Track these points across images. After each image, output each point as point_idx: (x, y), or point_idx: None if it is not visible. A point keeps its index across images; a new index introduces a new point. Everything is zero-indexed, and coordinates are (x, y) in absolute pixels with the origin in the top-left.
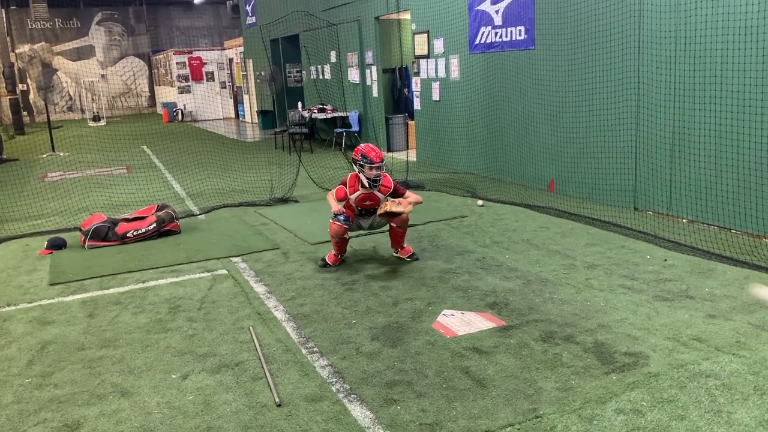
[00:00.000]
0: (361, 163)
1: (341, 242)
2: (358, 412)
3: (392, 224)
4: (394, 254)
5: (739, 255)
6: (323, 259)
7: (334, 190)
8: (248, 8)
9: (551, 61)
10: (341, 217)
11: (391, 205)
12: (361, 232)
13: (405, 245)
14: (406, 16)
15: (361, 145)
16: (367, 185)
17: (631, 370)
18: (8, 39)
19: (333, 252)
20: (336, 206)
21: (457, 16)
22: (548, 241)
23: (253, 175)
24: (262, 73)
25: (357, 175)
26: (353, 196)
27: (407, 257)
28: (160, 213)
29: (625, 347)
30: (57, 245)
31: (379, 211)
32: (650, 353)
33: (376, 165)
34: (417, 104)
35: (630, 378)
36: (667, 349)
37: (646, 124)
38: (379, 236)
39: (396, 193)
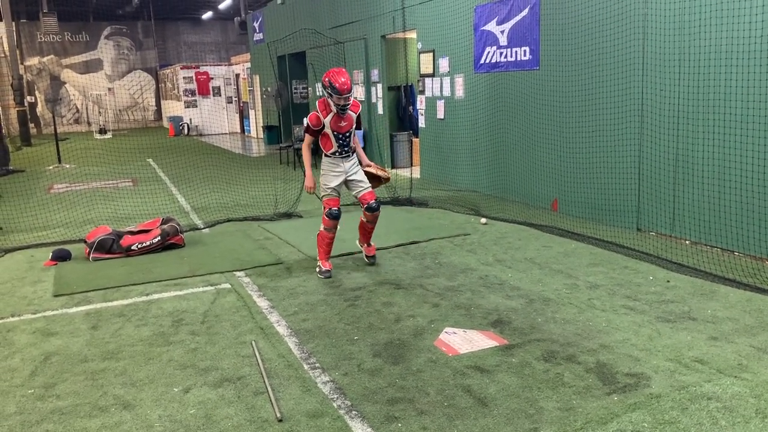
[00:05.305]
0: (330, 92)
1: (332, 239)
2: (359, 428)
3: (363, 218)
4: (360, 245)
5: (741, 277)
6: (321, 272)
7: (305, 140)
8: (256, 25)
9: (555, 81)
10: (335, 210)
11: (376, 169)
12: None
13: (372, 243)
14: (412, 35)
15: (333, 69)
16: (335, 110)
17: (633, 391)
18: (18, 51)
19: (324, 258)
20: (309, 177)
21: (462, 36)
22: (551, 260)
23: (258, 190)
24: (269, 88)
25: (326, 99)
26: (327, 120)
27: (368, 257)
28: (164, 226)
29: (626, 368)
30: (62, 257)
31: (366, 168)
32: (652, 374)
33: (344, 96)
34: (422, 122)
35: (631, 399)
36: (669, 371)
37: (650, 145)
38: (381, 253)
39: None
